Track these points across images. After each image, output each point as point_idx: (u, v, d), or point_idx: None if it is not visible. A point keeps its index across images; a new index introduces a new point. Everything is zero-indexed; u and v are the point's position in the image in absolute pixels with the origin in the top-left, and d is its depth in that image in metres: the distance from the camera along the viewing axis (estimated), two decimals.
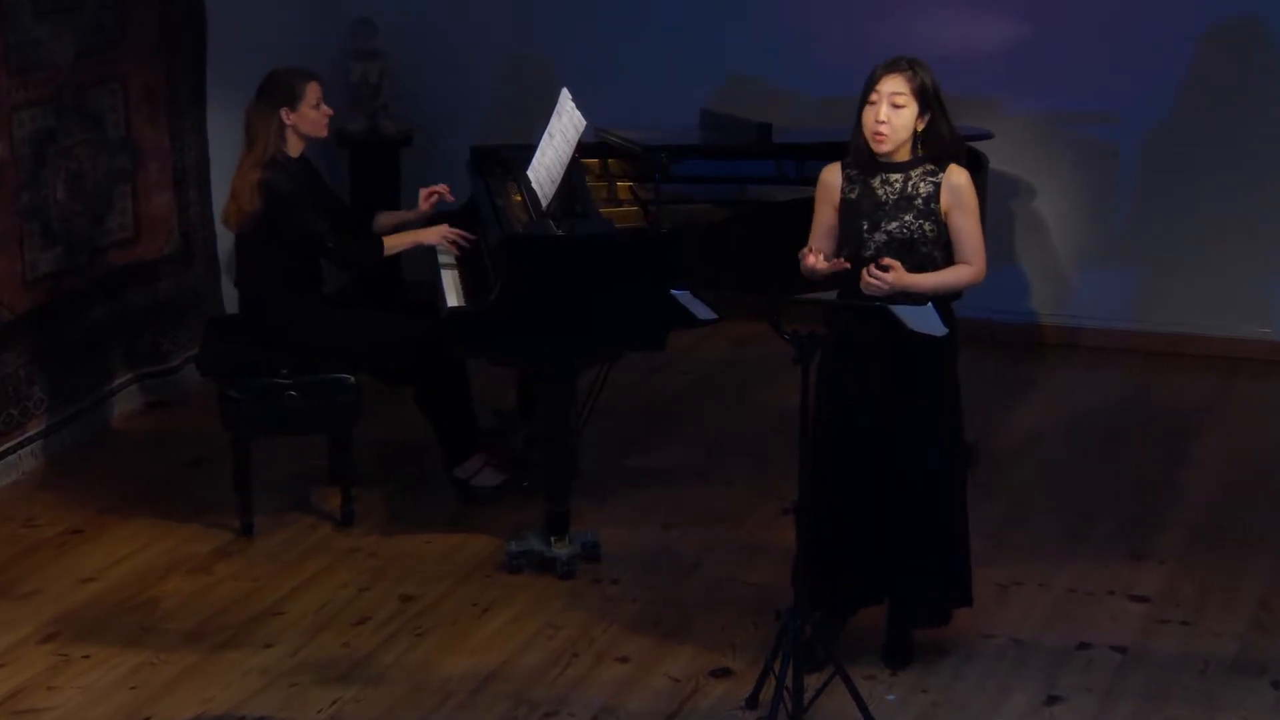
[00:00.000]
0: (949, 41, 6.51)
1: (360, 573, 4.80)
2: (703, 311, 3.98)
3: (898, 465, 4.06)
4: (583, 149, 5.00)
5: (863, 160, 4.03)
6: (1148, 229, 6.49)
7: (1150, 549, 4.93)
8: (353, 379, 4.98)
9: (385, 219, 5.28)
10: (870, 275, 3.90)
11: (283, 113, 4.94)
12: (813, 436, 3.94)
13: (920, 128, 3.98)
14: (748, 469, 5.42)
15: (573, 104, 4.95)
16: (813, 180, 4.22)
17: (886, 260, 3.94)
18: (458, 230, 5.07)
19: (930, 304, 3.84)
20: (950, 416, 4.12)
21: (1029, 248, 6.68)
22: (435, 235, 5.08)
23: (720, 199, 5.25)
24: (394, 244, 5.07)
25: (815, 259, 3.97)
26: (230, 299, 6.09)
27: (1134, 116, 6.43)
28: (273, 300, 5.01)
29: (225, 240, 6.22)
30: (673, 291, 3.95)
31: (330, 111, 5.06)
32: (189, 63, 6.09)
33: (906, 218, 3.97)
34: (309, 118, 4.98)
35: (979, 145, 5.49)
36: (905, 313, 3.80)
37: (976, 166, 5.36)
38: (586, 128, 4.85)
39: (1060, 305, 6.67)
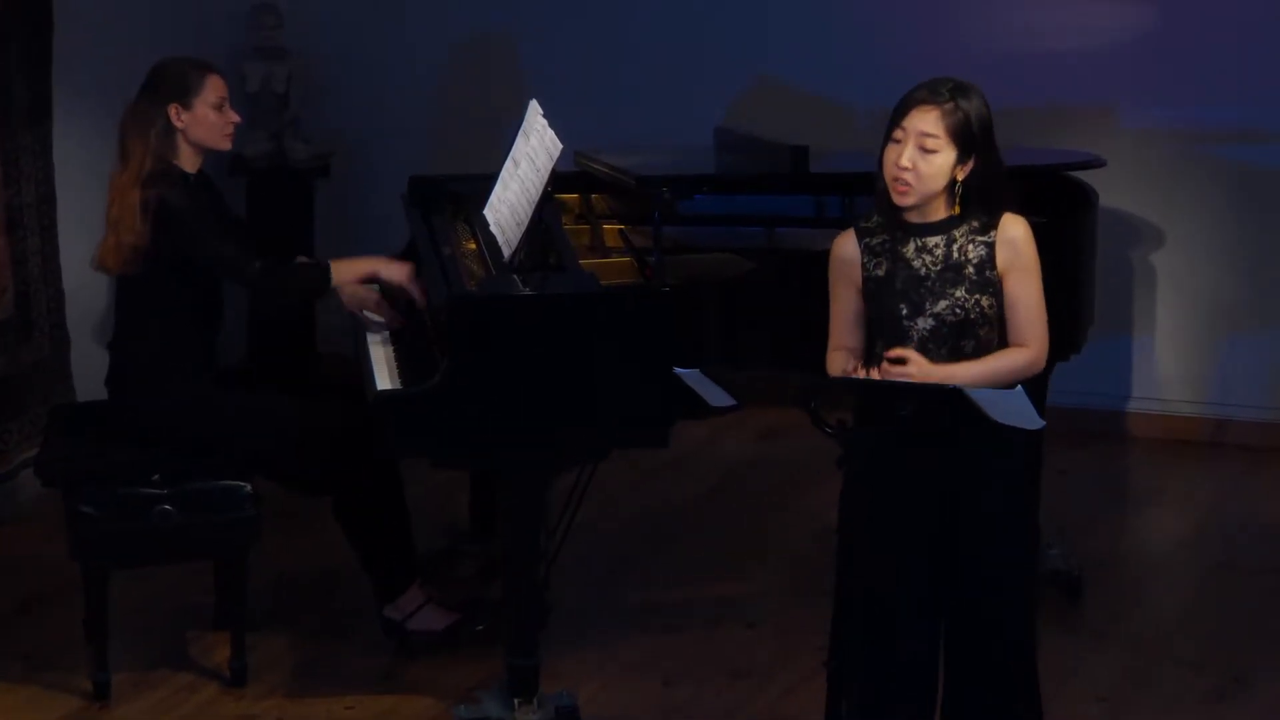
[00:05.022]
0: (1045, 33, 6.61)
1: None
2: (718, 397, 4.03)
3: (959, 596, 4.11)
4: (558, 180, 5.06)
5: (890, 219, 4.07)
6: None
7: None
8: (248, 487, 5.01)
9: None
10: (888, 373, 3.94)
11: (171, 110, 5.02)
12: (849, 562, 4.01)
13: (960, 177, 4.01)
14: (778, 606, 5.46)
15: (544, 120, 5.01)
16: None
17: (897, 351, 3.96)
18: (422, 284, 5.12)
19: (1020, 387, 3.91)
20: (1027, 535, 4.17)
21: (1155, 313, 6.74)
22: (403, 272, 5.12)
23: (741, 246, 5.32)
24: (346, 273, 5.12)
25: (856, 369, 3.99)
26: (84, 381, 6.14)
27: None
28: (148, 372, 5.06)
29: (79, 303, 6.29)
30: (678, 370, 4.01)
31: (236, 118, 5.14)
32: (28, 64, 6.16)
33: (957, 293, 4.00)
34: (206, 120, 5.06)
35: (1086, 175, 5.57)
36: (988, 400, 3.85)
37: (1083, 204, 5.45)
38: (563, 152, 4.91)
39: (1199, 390, 6.74)
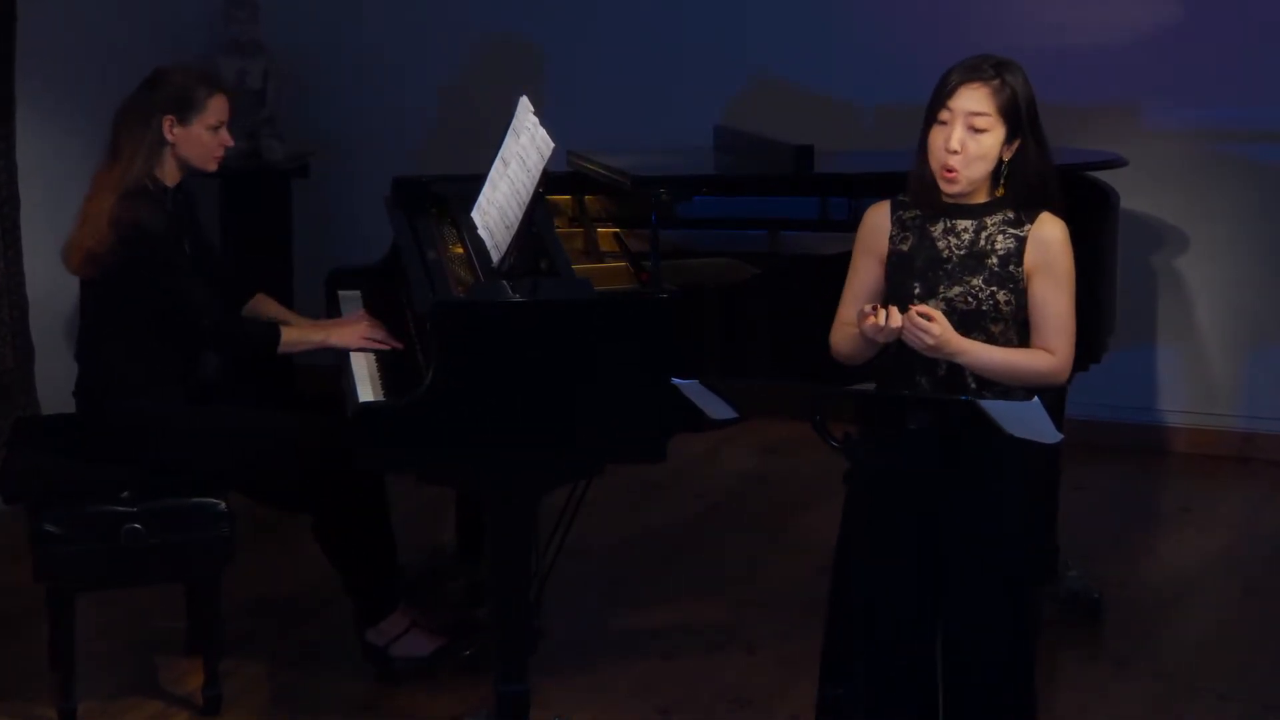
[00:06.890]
0: (1062, 29, 6.63)
1: None
2: (718, 409, 4.04)
3: (954, 606, 4.13)
4: (550, 181, 5.06)
5: (925, 198, 4.11)
6: None
7: None
8: (223, 505, 5.01)
9: (266, 308, 5.39)
10: (912, 322, 3.97)
11: (166, 123, 5.04)
12: (846, 576, 4.04)
13: (1006, 157, 4.06)
14: (781, 631, 5.47)
15: (535, 118, 5.03)
16: None
17: (925, 308, 3.99)
18: (382, 331, 5.15)
19: (1037, 399, 3.91)
20: (1026, 547, 4.19)
21: (1180, 322, 6.76)
22: (352, 337, 5.14)
23: (742, 250, 5.33)
24: (294, 340, 5.15)
25: (882, 317, 3.98)
26: (49, 393, 6.15)
27: None
28: (119, 381, 5.06)
29: (44, 312, 6.29)
30: (675, 381, 4.02)
31: (230, 142, 5.17)
32: None
33: (974, 281, 4.04)
34: (200, 141, 5.08)
35: (1105, 175, 5.59)
36: (1001, 411, 3.86)
37: (1103, 206, 5.47)
38: (555, 151, 4.92)
39: (1227, 403, 6.76)
